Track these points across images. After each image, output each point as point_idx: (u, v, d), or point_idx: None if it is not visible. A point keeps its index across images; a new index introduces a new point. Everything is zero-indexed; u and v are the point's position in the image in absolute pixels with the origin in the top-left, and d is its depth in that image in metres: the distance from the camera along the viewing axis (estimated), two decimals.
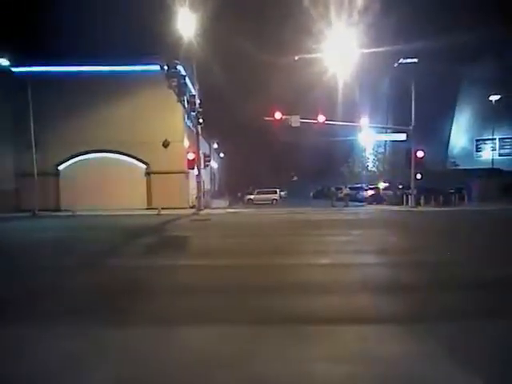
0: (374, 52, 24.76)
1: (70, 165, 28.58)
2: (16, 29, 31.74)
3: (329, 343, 3.71)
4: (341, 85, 31.31)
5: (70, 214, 23.62)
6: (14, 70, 26.62)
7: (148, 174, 28.53)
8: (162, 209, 23.63)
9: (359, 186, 38.18)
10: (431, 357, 3.37)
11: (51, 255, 9.31)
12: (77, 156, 28.40)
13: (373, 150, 43.64)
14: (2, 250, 10.38)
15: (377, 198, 32.20)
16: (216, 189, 52.53)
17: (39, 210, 24.28)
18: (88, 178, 27.49)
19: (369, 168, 44.84)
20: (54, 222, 19.66)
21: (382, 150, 40.70)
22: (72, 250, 9.94)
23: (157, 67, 21.30)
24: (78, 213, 23.50)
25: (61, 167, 28.52)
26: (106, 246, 10.47)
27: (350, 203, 29.41)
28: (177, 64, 21.07)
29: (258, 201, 37.52)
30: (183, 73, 23.04)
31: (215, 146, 54.73)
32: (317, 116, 25.82)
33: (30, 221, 20.93)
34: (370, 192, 34.60)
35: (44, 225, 18.45)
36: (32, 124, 24.84)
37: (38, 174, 25.66)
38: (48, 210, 25.34)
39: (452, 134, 51.71)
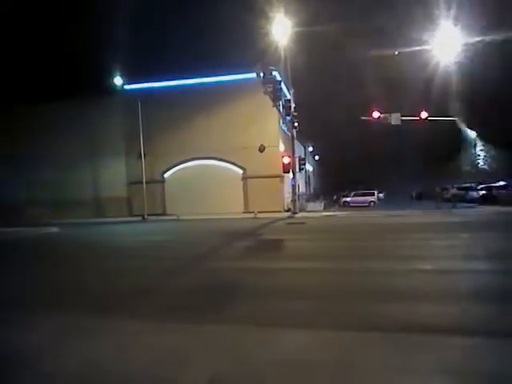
0: (482, 40, 22.52)
1: (174, 172, 30.72)
2: (126, 50, 35.32)
3: (433, 354, 3.45)
4: (445, 77, 29.01)
5: (174, 218, 25.41)
6: (126, 87, 29.54)
7: (245, 178, 29.44)
8: (258, 212, 24.18)
9: (468, 185, 34.99)
10: None
11: (155, 257, 10.05)
12: (180, 164, 30.42)
13: (484, 146, 39.79)
14: (117, 252, 11.57)
15: (489, 199, 29.18)
16: (311, 192, 52.28)
17: (148, 215, 26.47)
18: (190, 184, 29.29)
19: (479, 166, 40.94)
20: (161, 226, 21.26)
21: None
22: (175, 253, 10.66)
23: (253, 75, 21.93)
24: (182, 217, 25.16)
25: (166, 175, 30.80)
26: (206, 249, 10.99)
27: (458, 204, 27.10)
28: (272, 70, 21.50)
29: (354, 203, 36.43)
30: (278, 78, 23.40)
31: (310, 148, 54.59)
32: (418, 112, 24.40)
33: (140, 224, 22.95)
34: (482, 192, 31.48)
35: (152, 228, 20.08)
36: (141, 136, 27.17)
37: (146, 182, 27.83)
38: (155, 215, 27.51)
39: None
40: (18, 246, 13.80)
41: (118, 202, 30.43)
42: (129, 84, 29.53)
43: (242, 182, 29.45)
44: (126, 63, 30.15)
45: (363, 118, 25.01)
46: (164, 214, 29.33)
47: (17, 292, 6.50)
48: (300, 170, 27.68)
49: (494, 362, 3.26)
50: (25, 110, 30.63)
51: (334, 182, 62.63)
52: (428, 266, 7.27)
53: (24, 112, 30.63)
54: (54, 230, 18.95)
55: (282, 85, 24.51)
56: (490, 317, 4.38)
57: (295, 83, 26.01)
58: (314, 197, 47.29)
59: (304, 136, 41.75)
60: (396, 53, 24.92)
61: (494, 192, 30.08)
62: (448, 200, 28.18)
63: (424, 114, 24.15)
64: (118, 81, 28.05)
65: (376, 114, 24.14)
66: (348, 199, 38.03)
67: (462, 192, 32.12)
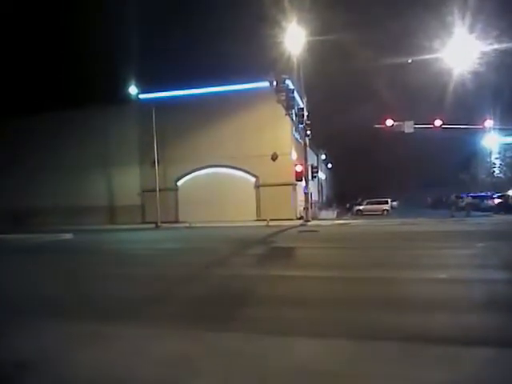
0: (498, 49, 22.24)
1: (187, 180, 30.94)
2: (141, 60, 35.89)
3: (443, 365, 3.41)
4: (459, 86, 28.79)
5: (187, 225, 25.53)
6: (140, 96, 29.94)
7: (257, 186, 29.48)
8: (271, 220, 24.15)
9: (483, 194, 34.53)
10: None
11: (168, 264, 10.10)
12: (193, 172, 30.63)
13: (499, 154, 39.26)
14: (129, 258, 11.67)
15: (505, 207, 28.73)
16: (324, 200, 52.06)
17: (161, 222, 26.63)
18: (203, 192, 29.42)
19: (495, 174, 40.36)
20: (174, 233, 21.35)
21: (511, 154, 36.39)
22: (187, 260, 10.70)
23: (266, 83, 22.02)
24: (194, 224, 25.27)
25: (179, 182, 31.02)
26: (218, 256, 11.01)
27: (473, 213, 26.74)
28: (285, 79, 21.58)
29: (367, 211, 36.17)
30: (291, 87, 23.49)
31: (323, 157, 54.48)
32: (431, 120, 24.20)
33: (153, 232, 23.10)
34: (497, 200, 31.02)
35: (165, 236, 20.18)
36: (155, 144, 27.45)
37: (159, 190, 28.01)
38: (168, 222, 27.65)
39: None
40: (30, 253, 13.99)
41: (131, 209, 30.74)
42: (143, 93, 29.93)
43: (254, 190, 29.49)
44: (140, 72, 30.63)
45: (376, 126, 24.88)
46: (177, 221, 29.49)
47: (28, 299, 6.58)
48: (313, 178, 27.61)
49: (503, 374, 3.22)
50: (40, 116, 31.20)
51: (346, 191, 62.24)
52: (443, 276, 7.18)
53: (39, 120, 31.21)
54: (68, 236, 19.19)
55: (295, 93, 24.56)
56: (506, 327, 4.31)
57: (308, 91, 26.09)
58: (326, 205, 47.11)
59: (317, 144, 41.74)
60: (409, 61, 24.78)
61: (510, 200, 29.63)
62: (463, 208, 27.84)
63: (438, 122, 23.92)
64: (132, 90, 28.47)
65: (389, 122, 24.01)
66: (361, 207, 37.80)
67: (477, 200, 31.72)
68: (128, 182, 31.26)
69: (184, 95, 29.84)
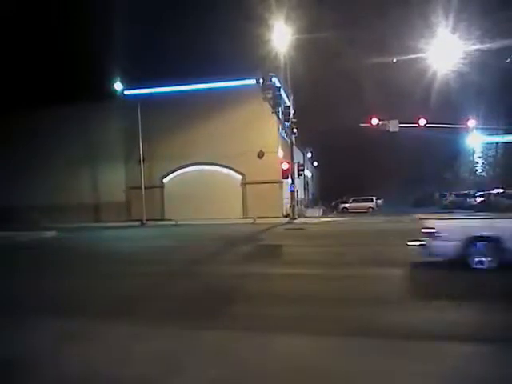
0: (480, 49, 22.59)
1: (173, 177, 30.72)
2: (126, 56, 35.48)
3: (424, 359, 3.49)
4: (443, 85, 29.17)
5: (173, 223, 25.38)
6: (126, 92, 29.58)
7: (244, 184, 29.45)
8: (257, 218, 24.18)
9: (466, 192, 35.13)
10: None
11: (155, 262, 10.06)
12: (179, 169, 30.41)
13: (482, 153, 39.97)
14: (116, 257, 11.56)
15: (487, 206, 29.28)
16: (310, 197, 52.29)
17: (146, 220, 26.42)
18: (189, 190, 29.24)
19: (477, 173, 41.10)
20: (160, 231, 21.22)
21: (493, 153, 37.06)
22: (174, 258, 10.68)
23: (252, 81, 22.01)
24: (180, 222, 25.13)
25: (165, 180, 30.80)
26: (206, 254, 11.02)
27: (456, 211, 27.19)
28: (272, 76, 21.60)
29: (353, 209, 36.50)
30: (278, 85, 23.50)
31: (309, 155, 54.67)
32: (416, 119, 24.46)
33: (138, 229, 22.93)
34: (479, 199, 31.59)
35: (151, 233, 20.07)
36: (141, 141, 27.16)
37: (145, 187, 27.77)
38: (154, 220, 27.44)
39: None
40: (14, 252, 13.76)
41: (116, 206, 30.38)
42: (129, 89, 29.58)
43: (241, 188, 29.45)
44: (126, 69, 30.21)
45: (362, 124, 25.05)
46: (162, 219, 29.28)
47: (19, 298, 6.50)
48: (299, 175, 27.74)
49: (480, 368, 3.30)
50: (24, 113, 30.56)
51: (332, 188, 62.53)
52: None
53: (23, 115, 30.58)
54: (52, 234, 18.92)
55: (282, 91, 24.60)
56: (486, 322, 4.41)
57: (294, 90, 26.16)
58: (312, 203, 47.31)
59: (303, 142, 41.85)
60: (394, 60, 24.98)
61: (491, 198, 30.21)
62: (446, 206, 28.29)
63: (422, 121, 24.18)
64: (118, 86, 28.12)
65: (375, 121, 24.17)
66: (347, 205, 38.11)
67: (460, 198, 32.24)
68: (113, 179, 30.85)
69: (170, 92, 29.59)
